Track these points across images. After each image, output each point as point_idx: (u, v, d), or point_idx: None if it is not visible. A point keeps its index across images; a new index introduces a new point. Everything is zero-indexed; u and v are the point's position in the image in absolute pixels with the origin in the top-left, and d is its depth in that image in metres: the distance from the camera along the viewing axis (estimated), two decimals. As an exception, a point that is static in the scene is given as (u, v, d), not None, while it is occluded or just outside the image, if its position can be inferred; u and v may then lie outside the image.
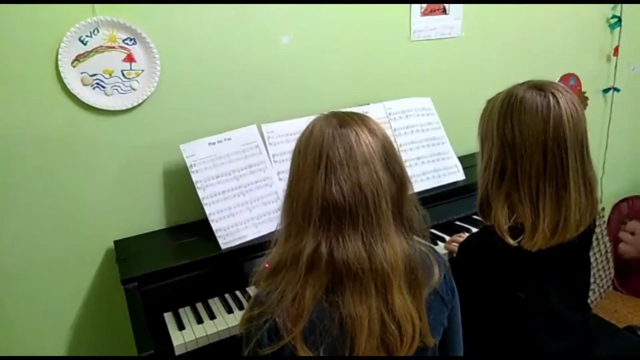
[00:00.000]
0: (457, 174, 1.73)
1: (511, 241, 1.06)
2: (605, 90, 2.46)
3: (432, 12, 1.83)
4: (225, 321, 1.24)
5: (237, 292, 1.35)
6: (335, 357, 0.81)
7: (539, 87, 1.05)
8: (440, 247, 1.53)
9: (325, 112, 0.88)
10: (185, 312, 1.29)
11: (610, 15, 2.30)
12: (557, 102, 1.02)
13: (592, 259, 2.40)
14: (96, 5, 1.30)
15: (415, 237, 0.90)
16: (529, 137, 1.03)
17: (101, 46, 1.34)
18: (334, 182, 0.80)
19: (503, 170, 1.09)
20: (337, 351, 0.81)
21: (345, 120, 0.84)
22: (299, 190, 0.83)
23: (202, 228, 1.40)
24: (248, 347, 0.84)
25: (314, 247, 0.80)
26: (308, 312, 0.79)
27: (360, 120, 0.85)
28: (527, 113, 1.03)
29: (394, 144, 0.88)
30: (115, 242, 1.45)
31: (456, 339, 0.99)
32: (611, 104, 2.50)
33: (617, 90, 2.45)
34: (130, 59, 1.38)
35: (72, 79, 1.32)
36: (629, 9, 2.30)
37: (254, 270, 0.88)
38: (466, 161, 1.74)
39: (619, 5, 2.27)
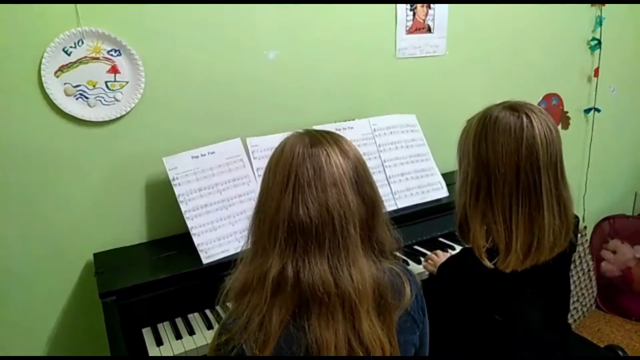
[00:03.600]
0: (441, 191, 1.74)
1: (488, 263, 1.06)
2: (587, 110, 2.51)
3: (417, 31, 1.86)
4: (204, 337, 1.22)
5: (218, 308, 1.33)
6: (315, 357, 0.79)
7: (514, 107, 1.07)
8: (419, 266, 1.53)
9: (299, 130, 0.87)
10: (164, 328, 1.26)
11: (590, 38, 2.37)
12: (531, 122, 1.03)
13: (574, 278, 2.42)
14: (81, 16, 1.29)
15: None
16: (502, 157, 1.04)
17: (85, 57, 1.33)
18: (302, 203, 0.79)
19: (478, 189, 1.09)
20: None
21: (317, 140, 0.83)
22: (267, 208, 0.83)
23: (183, 242, 1.38)
24: None
25: (280, 268, 0.79)
26: (275, 337, 0.78)
27: (333, 140, 0.84)
28: (500, 133, 1.05)
29: (367, 166, 0.88)
30: (94, 255, 1.42)
31: (422, 357, 0.98)
32: (592, 124, 2.55)
33: (598, 110, 2.50)
34: (114, 70, 1.37)
35: (55, 89, 1.31)
36: (608, 32, 2.36)
37: (223, 286, 0.87)
38: (449, 178, 1.75)
39: (599, 28, 2.34)
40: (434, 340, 1.01)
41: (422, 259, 1.55)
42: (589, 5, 2.31)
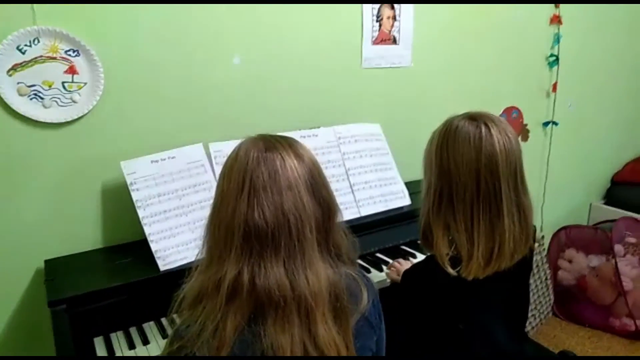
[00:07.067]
0: (404, 199, 1.76)
1: (451, 271, 1.07)
2: (545, 124, 2.60)
3: (382, 42, 1.88)
4: (159, 346, 1.19)
5: (175, 316, 1.29)
6: (277, 357, 0.78)
7: (473, 117, 1.10)
8: (381, 274, 1.54)
9: (253, 135, 0.87)
10: (117, 337, 1.22)
11: (549, 54, 2.46)
12: (489, 131, 1.06)
13: (532, 286, 2.48)
14: (37, 14, 1.25)
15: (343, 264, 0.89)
16: (462, 165, 1.07)
17: (41, 56, 1.29)
18: (257, 207, 0.79)
19: (441, 198, 1.11)
20: None
21: (271, 144, 0.83)
22: (222, 214, 0.82)
23: (140, 249, 1.34)
24: None
25: (236, 274, 0.78)
26: (229, 343, 0.77)
27: (288, 144, 0.85)
28: (460, 142, 1.07)
29: (322, 169, 0.88)
30: (45, 261, 1.37)
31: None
32: (550, 137, 2.64)
33: (556, 124, 2.60)
34: (72, 70, 1.33)
35: (7, 88, 1.26)
36: (565, 49, 2.46)
37: (176, 295, 0.85)
38: (412, 187, 1.78)
39: (557, 45, 2.43)
40: (393, 346, 1.02)
41: (385, 266, 1.56)
42: (548, 23, 2.40)
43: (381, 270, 1.55)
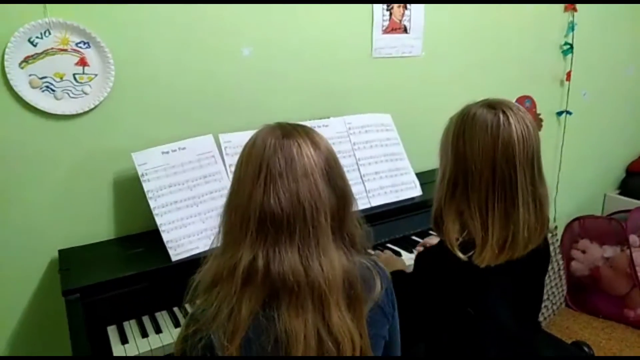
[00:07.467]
0: (415, 190, 1.75)
1: (461, 256, 1.07)
2: (559, 113, 2.56)
3: (393, 31, 1.86)
4: (171, 335, 1.20)
5: (187, 305, 1.31)
6: (285, 357, 0.79)
7: (492, 105, 1.08)
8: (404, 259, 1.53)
9: (271, 123, 0.87)
10: (130, 326, 1.24)
11: (563, 42, 2.41)
12: (507, 119, 1.04)
13: (545, 277, 2.46)
14: (48, 7, 1.26)
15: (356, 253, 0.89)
16: (479, 153, 1.05)
17: (52, 48, 1.30)
18: (273, 193, 0.79)
19: (455, 184, 1.11)
20: None
21: (288, 132, 0.84)
22: (238, 200, 0.82)
23: (152, 239, 1.35)
24: None
25: (251, 259, 0.79)
26: (244, 327, 0.77)
27: (304, 132, 0.85)
28: (477, 129, 1.06)
29: (338, 158, 0.88)
30: (59, 251, 1.39)
31: (394, 350, 0.99)
32: (564, 126, 2.60)
33: (570, 113, 2.56)
34: (83, 62, 1.34)
35: (19, 80, 1.27)
36: (580, 37, 2.41)
37: (192, 279, 0.85)
38: (423, 177, 1.77)
39: (571, 33, 2.39)
40: (407, 334, 1.02)
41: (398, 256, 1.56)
42: (562, 10, 2.35)
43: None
